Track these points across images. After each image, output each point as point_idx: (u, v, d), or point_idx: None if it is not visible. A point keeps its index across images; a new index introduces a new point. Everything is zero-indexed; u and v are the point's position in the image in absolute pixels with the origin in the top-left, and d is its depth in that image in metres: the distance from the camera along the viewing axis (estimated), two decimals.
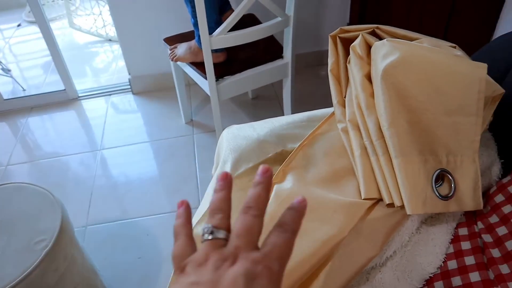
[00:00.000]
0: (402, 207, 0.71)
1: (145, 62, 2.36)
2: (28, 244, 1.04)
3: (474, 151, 0.73)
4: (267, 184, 0.37)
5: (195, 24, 1.55)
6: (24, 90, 2.59)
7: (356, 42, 0.87)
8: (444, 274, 0.72)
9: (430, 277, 0.73)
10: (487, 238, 0.71)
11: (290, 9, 1.61)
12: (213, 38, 1.49)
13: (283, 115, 1.16)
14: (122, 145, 2.12)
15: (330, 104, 0.94)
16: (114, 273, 1.51)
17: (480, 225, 0.75)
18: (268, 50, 1.80)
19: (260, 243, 0.35)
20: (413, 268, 0.74)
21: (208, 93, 1.67)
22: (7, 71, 2.74)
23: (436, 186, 0.71)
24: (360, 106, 0.82)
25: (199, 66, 1.67)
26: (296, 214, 0.36)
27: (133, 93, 2.47)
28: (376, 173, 0.76)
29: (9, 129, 2.29)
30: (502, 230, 0.69)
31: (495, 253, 0.68)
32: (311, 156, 0.87)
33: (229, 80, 1.67)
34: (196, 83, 1.80)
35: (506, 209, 0.71)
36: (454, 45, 0.81)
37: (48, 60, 2.80)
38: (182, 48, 1.74)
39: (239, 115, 2.23)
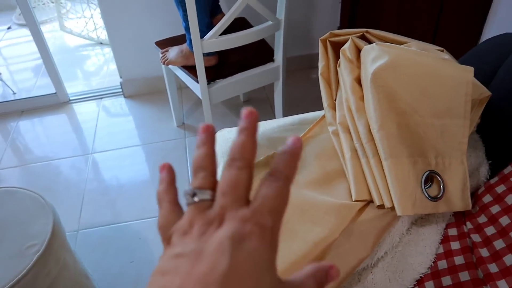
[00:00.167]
0: (393, 208, 0.72)
1: (136, 66, 2.35)
2: (19, 248, 1.03)
3: (462, 152, 0.75)
4: (252, 130, 0.32)
5: (187, 28, 1.55)
6: (14, 93, 2.57)
7: (346, 46, 0.88)
8: (434, 274, 0.73)
9: (420, 277, 0.74)
10: (476, 238, 0.72)
11: (281, 13, 1.62)
12: (204, 42, 1.50)
13: (274, 118, 1.18)
14: (113, 149, 2.11)
15: (321, 107, 0.94)
16: (107, 277, 1.50)
17: (469, 225, 0.76)
18: (259, 53, 1.81)
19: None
20: (404, 269, 0.75)
21: (200, 96, 1.67)
22: None
23: (426, 187, 0.72)
24: (350, 109, 0.83)
25: (191, 69, 1.67)
26: (289, 157, 0.31)
27: (125, 97, 2.46)
28: (367, 175, 0.76)
29: None
30: (490, 230, 0.71)
31: (484, 252, 0.69)
32: (303, 159, 0.88)
33: (220, 83, 1.68)
34: (187, 87, 1.80)
35: (494, 209, 0.72)
36: (441, 48, 0.83)
37: (39, 63, 2.79)
38: (173, 52, 1.74)
39: (230, 118, 2.23)
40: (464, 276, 0.69)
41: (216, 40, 1.52)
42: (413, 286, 0.75)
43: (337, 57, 0.94)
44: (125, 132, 2.21)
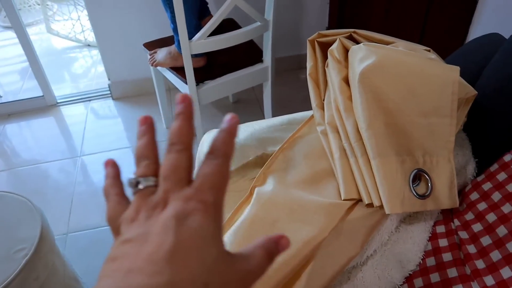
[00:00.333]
0: (381, 207, 0.72)
1: (124, 67, 2.34)
2: (7, 253, 1.02)
3: (449, 151, 0.75)
4: (188, 114, 0.33)
5: (175, 29, 1.55)
6: (0, 96, 2.54)
7: (334, 46, 0.89)
8: (423, 271, 0.74)
9: (409, 274, 0.75)
10: (463, 234, 0.73)
11: (269, 14, 1.62)
12: (192, 43, 1.50)
13: (264, 118, 1.18)
14: (102, 151, 2.09)
15: (310, 107, 0.95)
16: (94, 279, 1.49)
17: (456, 222, 0.77)
18: (248, 54, 1.81)
19: None
20: (393, 266, 0.76)
21: None
22: None
23: (414, 185, 0.73)
24: (338, 109, 0.83)
25: (179, 71, 1.67)
26: (226, 135, 0.32)
27: (113, 99, 2.45)
28: (355, 174, 0.77)
29: None
30: (477, 227, 0.72)
31: (471, 249, 0.70)
32: (291, 158, 0.88)
33: (209, 84, 1.68)
34: (176, 88, 1.80)
35: (481, 206, 0.73)
36: (428, 48, 0.84)
37: (25, 66, 2.76)
38: (162, 53, 1.73)
39: (220, 119, 2.21)
40: (452, 272, 0.69)
41: (204, 41, 1.52)
42: (402, 283, 0.75)
43: (325, 57, 0.95)
44: (114, 134, 2.20)
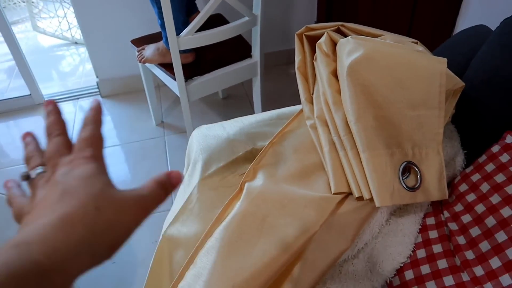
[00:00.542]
0: (371, 200, 0.72)
1: (113, 65, 2.32)
2: None
3: (438, 143, 0.76)
4: (54, 111, 0.40)
5: (162, 25, 1.53)
6: None
7: (322, 40, 0.88)
8: (413, 263, 0.74)
9: (400, 266, 0.75)
10: (453, 226, 0.74)
11: (257, 8, 1.62)
12: (180, 39, 1.49)
13: (254, 113, 1.18)
14: None
15: (300, 102, 0.95)
16: (88, 279, 1.47)
17: (446, 214, 0.77)
18: (236, 49, 1.81)
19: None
20: (384, 259, 0.76)
21: (178, 94, 1.66)
22: None
23: (403, 178, 0.73)
24: (327, 102, 0.83)
25: (168, 67, 1.65)
26: (93, 111, 0.39)
27: (102, 96, 2.42)
28: (345, 168, 0.77)
29: None
30: (466, 218, 0.72)
31: (461, 240, 0.70)
32: (281, 153, 0.88)
33: (198, 80, 1.67)
34: (165, 85, 1.79)
35: (470, 197, 0.74)
36: (416, 40, 0.84)
37: (12, 65, 2.72)
38: (150, 50, 1.72)
39: (210, 115, 2.22)
40: (442, 264, 0.70)
41: (192, 37, 1.51)
42: (393, 275, 0.76)
43: (313, 51, 0.95)
44: (103, 132, 2.18)
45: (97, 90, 2.42)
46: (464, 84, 0.80)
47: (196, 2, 1.80)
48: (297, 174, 0.81)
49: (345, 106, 0.77)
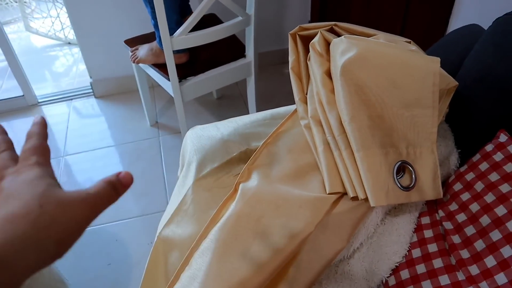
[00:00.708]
0: (366, 199, 0.72)
1: (106, 65, 2.31)
2: None
3: (432, 142, 0.76)
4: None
5: (156, 25, 1.53)
6: None
7: (315, 40, 0.88)
8: (409, 262, 0.74)
9: (396, 266, 0.75)
10: (448, 225, 0.74)
11: (250, 8, 1.61)
12: (174, 39, 1.48)
13: (248, 113, 1.17)
14: (86, 151, 2.07)
15: (294, 101, 0.95)
16: (83, 281, 1.47)
17: (441, 213, 0.77)
18: (230, 49, 1.80)
19: None
20: (380, 258, 0.76)
21: (172, 94, 1.65)
22: None
23: (398, 177, 0.73)
24: (321, 102, 0.83)
25: (162, 67, 1.65)
26: (38, 126, 0.40)
27: (96, 97, 2.41)
28: (340, 168, 0.77)
29: None
30: (461, 217, 0.72)
31: (456, 239, 0.71)
32: (275, 153, 0.88)
33: (192, 80, 1.66)
34: (159, 85, 1.78)
35: (464, 196, 0.74)
36: (409, 40, 0.84)
37: (4, 65, 2.70)
38: (143, 50, 1.71)
39: (204, 115, 2.22)
40: (438, 263, 0.70)
41: (186, 37, 1.50)
42: (389, 275, 0.76)
43: (307, 51, 0.94)
44: (98, 133, 2.17)
45: (91, 90, 2.41)
46: (457, 83, 0.80)
47: (189, 3, 1.80)
48: (291, 174, 0.81)
49: (339, 106, 0.77)
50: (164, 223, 0.86)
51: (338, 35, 0.89)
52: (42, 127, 0.41)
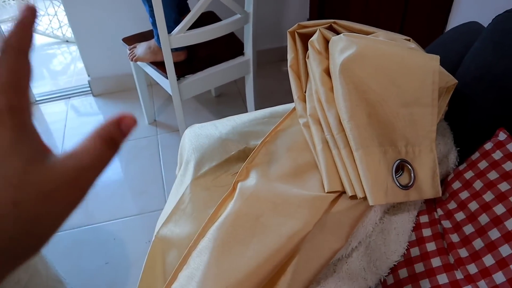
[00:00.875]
0: (365, 198, 0.72)
1: (104, 63, 2.30)
2: None
3: (431, 140, 0.75)
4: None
5: (154, 23, 1.52)
6: None
7: (314, 38, 0.88)
8: (407, 261, 0.74)
9: (394, 265, 0.75)
10: (447, 224, 0.74)
11: (249, 6, 1.61)
12: (172, 37, 1.47)
13: (247, 112, 1.16)
14: None
15: (292, 99, 0.94)
16: (81, 280, 1.47)
17: (439, 212, 0.77)
18: (229, 47, 1.80)
19: None
20: (378, 257, 0.76)
21: (170, 92, 1.65)
22: None
23: (397, 176, 0.73)
24: (320, 100, 0.83)
25: (160, 65, 1.64)
26: (18, 25, 0.27)
27: (94, 95, 2.41)
28: (338, 166, 0.77)
29: None
30: (460, 216, 0.72)
31: (454, 238, 0.70)
32: (274, 152, 0.87)
33: (190, 79, 1.65)
34: (158, 83, 1.78)
35: (463, 195, 0.74)
36: (408, 38, 0.83)
37: None
38: (141, 48, 1.70)
39: (203, 113, 2.21)
40: (436, 262, 0.70)
41: (184, 35, 1.50)
42: (387, 274, 0.75)
43: (305, 49, 0.94)
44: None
45: (89, 88, 2.41)
46: (457, 81, 0.79)
47: (188, 1, 1.79)
48: (290, 173, 0.81)
49: (338, 104, 0.77)
50: (162, 222, 0.86)
51: (337, 33, 0.89)
52: (31, 21, 0.26)
